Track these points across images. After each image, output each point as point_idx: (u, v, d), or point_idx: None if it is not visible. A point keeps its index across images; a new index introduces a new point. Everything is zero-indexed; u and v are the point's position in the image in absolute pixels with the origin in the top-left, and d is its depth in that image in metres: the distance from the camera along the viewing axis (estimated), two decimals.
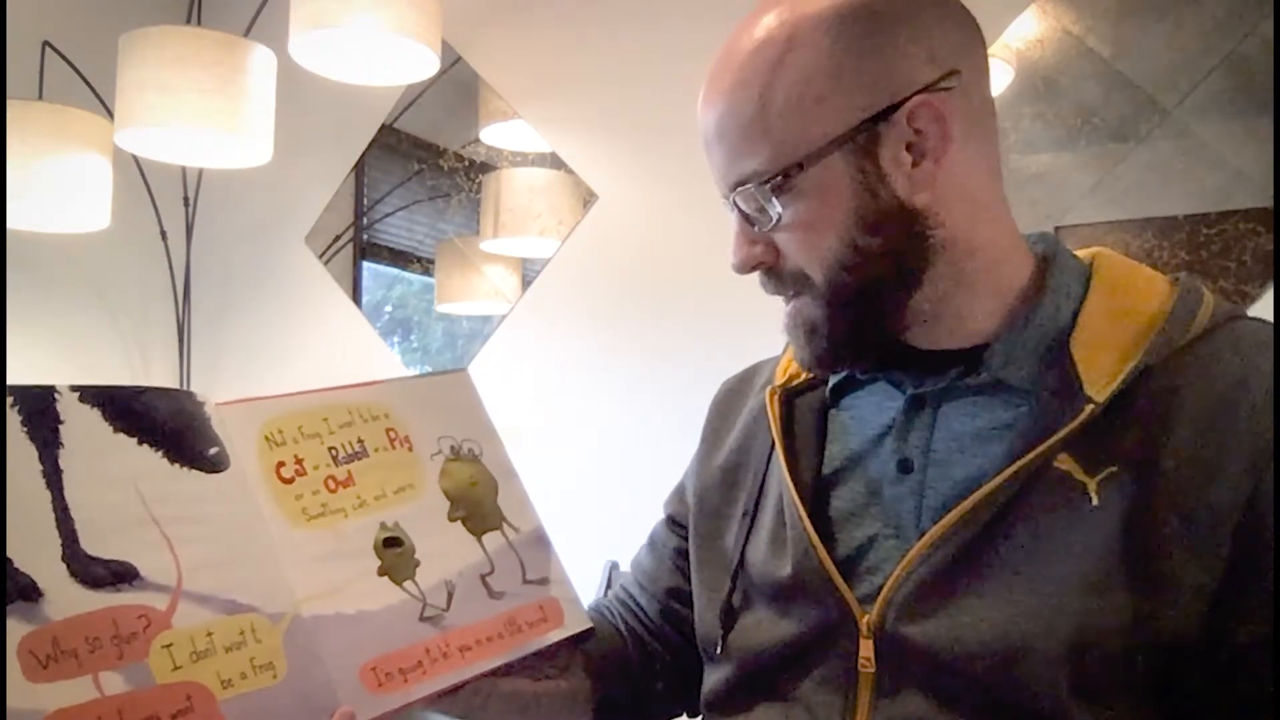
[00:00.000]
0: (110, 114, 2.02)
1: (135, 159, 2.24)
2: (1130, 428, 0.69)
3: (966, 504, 0.71)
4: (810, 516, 0.79)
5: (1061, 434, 0.70)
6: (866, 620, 0.74)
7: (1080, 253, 0.81)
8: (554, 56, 2.27)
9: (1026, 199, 1.81)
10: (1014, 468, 0.71)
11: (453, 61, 2.31)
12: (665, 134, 2.15)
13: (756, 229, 0.77)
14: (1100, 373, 0.71)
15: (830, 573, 0.76)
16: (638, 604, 0.97)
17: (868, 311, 0.77)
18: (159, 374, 2.57)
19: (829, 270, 0.75)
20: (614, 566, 1.72)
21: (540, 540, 0.88)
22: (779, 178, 0.74)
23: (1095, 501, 0.68)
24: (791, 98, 0.73)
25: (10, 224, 2.00)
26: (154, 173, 2.37)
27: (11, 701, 0.60)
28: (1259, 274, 1.67)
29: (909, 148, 0.74)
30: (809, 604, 0.77)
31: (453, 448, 0.87)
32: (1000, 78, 1.83)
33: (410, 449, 0.84)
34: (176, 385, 2.51)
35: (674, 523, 0.97)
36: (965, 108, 0.75)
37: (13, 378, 2.15)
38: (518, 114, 2.30)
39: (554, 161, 2.27)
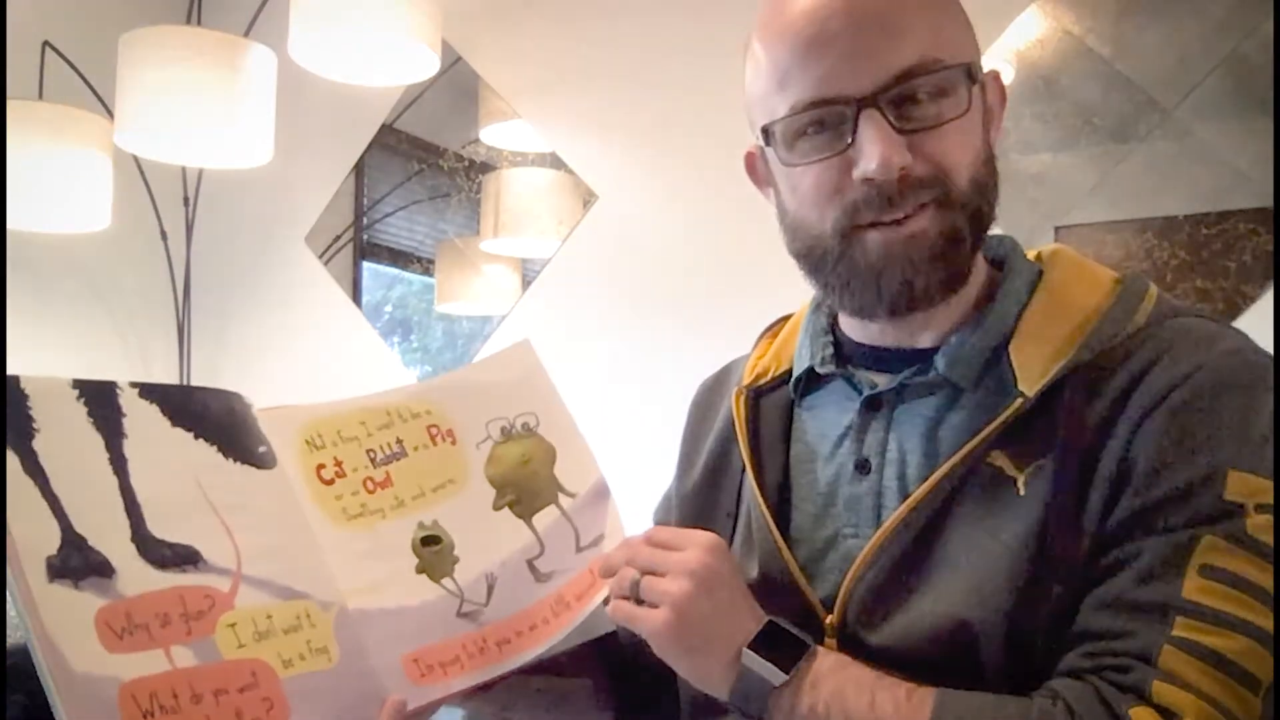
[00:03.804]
0: (110, 114, 2.02)
1: (135, 159, 2.24)
2: (1058, 423, 0.70)
3: (903, 509, 0.73)
4: (775, 517, 0.80)
5: (991, 429, 0.71)
6: (829, 621, 0.76)
7: (1036, 252, 0.82)
8: (554, 56, 2.27)
9: (1027, 199, 1.81)
10: (945, 468, 0.72)
11: (453, 61, 2.31)
12: (665, 134, 2.15)
13: (908, 126, 0.71)
14: (1033, 371, 0.72)
15: (794, 574, 0.78)
16: None
17: (974, 244, 0.75)
18: (159, 374, 2.57)
19: (975, 174, 0.74)
20: None
21: (599, 494, 0.88)
22: (975, 68, 0.74)
23: (1022, 493, 0.70)
24: (960, 7, 0.76)
25: (10, 224, 2.00)
26: (154, 173, 2.37)
27: (92, 668, 0.64)
28: (1259, 274, 1.67)
29: (986, 111, 0.77)
30: (776, 604, 0.78)
31: (503, 429, 0.88)
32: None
33: (453, 442, 0.86)
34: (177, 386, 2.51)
35: None
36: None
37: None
38: (518, 114, 2.30)
39: (554, 161, 2.27)
